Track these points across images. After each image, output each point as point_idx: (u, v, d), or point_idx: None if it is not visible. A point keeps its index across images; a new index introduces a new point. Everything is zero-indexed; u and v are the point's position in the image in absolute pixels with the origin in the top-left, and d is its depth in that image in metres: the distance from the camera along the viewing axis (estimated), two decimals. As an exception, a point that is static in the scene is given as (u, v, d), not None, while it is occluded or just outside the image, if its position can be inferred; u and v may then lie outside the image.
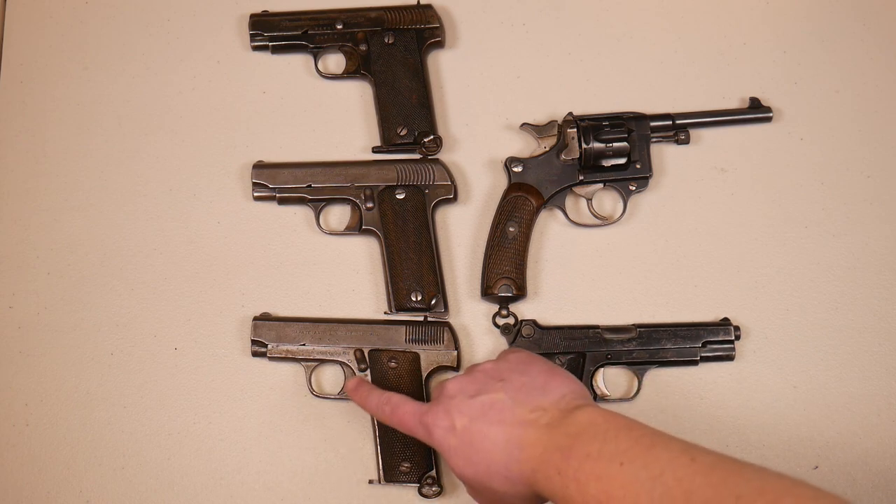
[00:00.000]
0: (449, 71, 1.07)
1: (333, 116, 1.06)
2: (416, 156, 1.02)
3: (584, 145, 0.98)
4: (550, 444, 0.73)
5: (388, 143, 1.03)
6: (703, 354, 0.95)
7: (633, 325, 0.97)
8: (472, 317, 1.00)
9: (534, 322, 0.97)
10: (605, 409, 0.74)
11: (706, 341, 0.96)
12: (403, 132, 1.02)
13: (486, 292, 0.97)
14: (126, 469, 0.97)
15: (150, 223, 1.03)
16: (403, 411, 0.83)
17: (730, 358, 0.96)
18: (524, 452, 0.74)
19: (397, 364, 0.96)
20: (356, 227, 1.00)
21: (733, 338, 0.96)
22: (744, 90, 1.06)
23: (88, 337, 1.00)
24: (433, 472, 0.93)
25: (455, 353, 0.96)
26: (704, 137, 1.04)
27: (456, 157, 1.04)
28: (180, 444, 0.97)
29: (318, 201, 1.01)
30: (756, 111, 1.03)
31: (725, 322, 0.97)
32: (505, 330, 0.97)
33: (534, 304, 1.00)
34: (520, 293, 0.97)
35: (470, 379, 0.81)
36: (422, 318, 0.98)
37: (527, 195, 0.99)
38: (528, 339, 0.96)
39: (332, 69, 1.07)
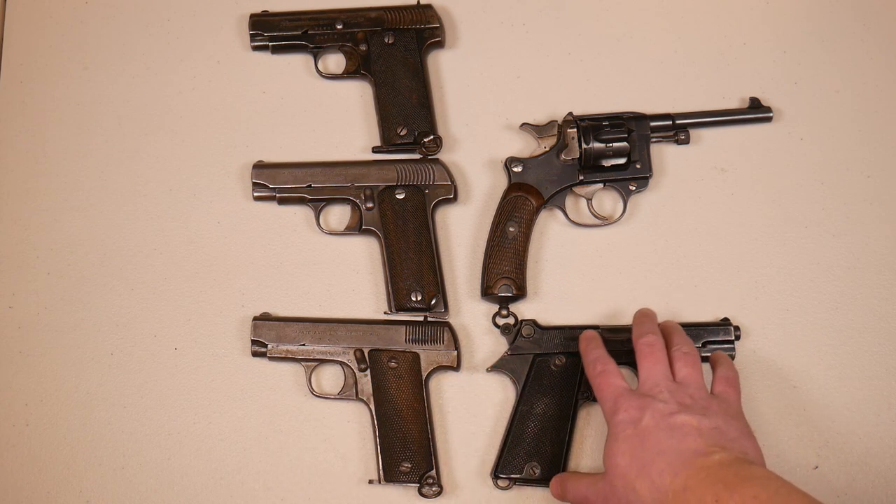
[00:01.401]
0: (449, 71, 1.07)
1: (333, 116, 1.06)
2: (416, 156, 1.02)
3: (584, 145, 0.98)
4: (716, 475, 0.76)
5: (388, 143, 1.03)
6: (703, 354, 0.95)
7: (633, 325, 0.97)
8: (472, 317, 1.00)
9: (534, 322, 0.97)
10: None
11: (706, 341, 0.96)
12: (403, 132, 1.02)
13: (486, 292, 0.97)
14: (126, 469, 0.97)
15: (150, 223, 1.03)
16: (608, 381, 0.87)
17: (730, 358, 0.95)
18: (686, 470, 0.77)
19: (397, 364, 0.96)
20: (356, 227, 1.00)
21: (733, 338, 0.96)
22: (744, 90, 1.06)
23: (88, 337, 1.00)
24: (433, 472, 0.93)
25: (455, 353, 0.96)
26: (704, 137, 1.04)
27: (456, 157, 1.04)
28: (180, 444, 0.97)
29: (318, 201, 1.01)
30: (756, 111, 1.03)
31: (726, 322, 0.97)
32: (505, 330, 0.97)
33: (534, 304, 1.00)
34: (520, 293, 0.97)
35: (681, 395, 0.84)
36: (422, 318, 0.98)
37: (527, 195, 0.99)
38: (528, 339, 0.96)
39: (332, 69, 1.07)
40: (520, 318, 0.98)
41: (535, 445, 0.93)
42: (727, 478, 0.75)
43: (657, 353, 0.88)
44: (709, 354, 0.95)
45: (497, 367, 0.96)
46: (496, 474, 0.93)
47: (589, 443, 0.96)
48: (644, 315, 0.94)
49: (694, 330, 0.96)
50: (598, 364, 0.89)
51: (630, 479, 0.80)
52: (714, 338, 0.96)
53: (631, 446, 0.81)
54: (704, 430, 0.80)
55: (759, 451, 0.82)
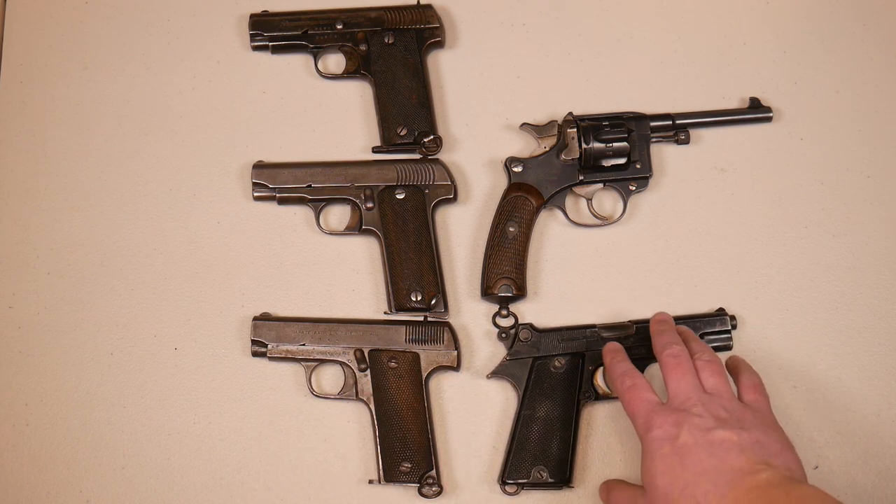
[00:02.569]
0: (449, 71, 1.07)
1: (333, 116, 1.06)
2: (416, 156, 1.02)
3: (584, 145, 0.98)
4: (766, 496, 0.73)
5: (388, 143, 1.03)
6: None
7: (631, 321, 0.97)
8: (472, 317, 1.00)
9: (531, 326, 0.97)
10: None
11: (703, 333, 0.96)
12: (403, 132, 1.02)
13: (486, 292, 0.97)
14: (126, 469, 0.97)
15: (150, 223, 1.03)
16: (639, 396, 0.85)
17: (728, 348, 0.96)
18: (732, 492, 0.75)
19: (397, 364, 0.96)
20: (356, 227, 1.00)
21: (730, 328, 0.96)
22: (744, 90, 1.06)
23: (88, 337, 1.00)
24: (433, 472, 0.93)
25: (455, 353, 0.96)
26: (704, 137, 1.04)
27: (456, 157, 1.04)
28: (180, 444, 0.97)
29: (318, 201, 1.01)
30: (756, 111, 1.03)
31: (721, 312, 0.97)
32: (502, 335, 0.97)
33: (534, 304, 1.00)
34: (520, 293, 0.97)
35: (715, 407, 0.82)
36: (422, 318, 0.98)
37: (527, 195, 0.99)
38: (527, 342, 0.96)
39: (332, 69, 1.07)
40: (518, 321, 0.98)
41: (540, 449, 0.93)
42: (777, 498, 0.73)
43: (684, 364, 0.85)
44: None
45: (497, 374, 0.96)
46: (504, 481, 0.93)
47: (594, 442, 0.96)
48: (662, 322, 0.93)
49: (690, 322, 0.96)
50: (627, 378, 0.87)
51: (672, 499, 0.77)
52: (711, 329, 0.96)
53: (670, 465, 0.78)
54: (746, 446, 0.78)
55: (800, 464, 0.80)
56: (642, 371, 0.95)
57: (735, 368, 0.90)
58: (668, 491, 0.78)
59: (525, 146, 1.04)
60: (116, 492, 0.96)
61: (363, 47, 1.05)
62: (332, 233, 1.02)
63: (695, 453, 0.78)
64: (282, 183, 1.01)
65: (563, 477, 0.93)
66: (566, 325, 0.98)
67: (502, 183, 1.02)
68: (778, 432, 0.82)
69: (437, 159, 1.02)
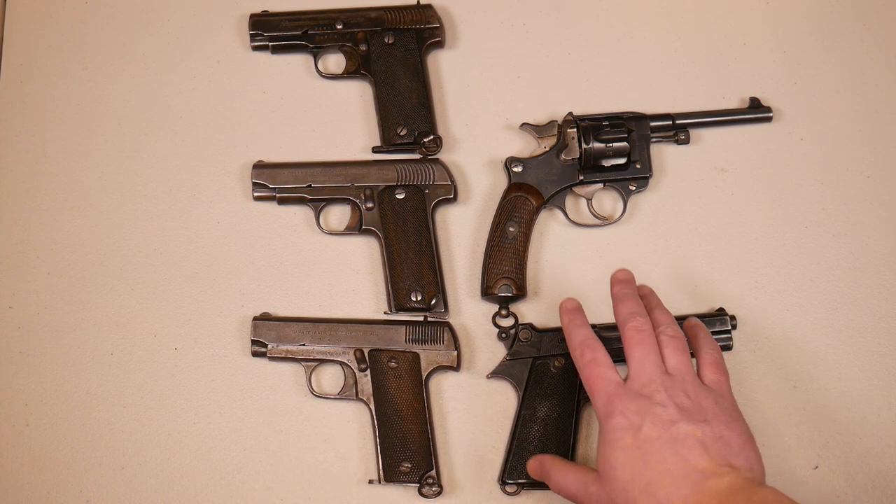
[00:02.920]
0: (449, 71, 1.07)
1: (333, 116, 1.06)
2: (416, 156, 1.02)
3: (584, 145, 0.98)
4: (728, 502, 0.73)
5: (388, 143, 1.03)
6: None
7: (632, 322, 0.97)
8: (472, 317, 1.00)
9: (531, 326, 0.97)
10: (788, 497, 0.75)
11: None
12: (403, 132, 1.02)
13: (486, 292, 0.97)
14: (126, 469, 0.97)
15: (150, 223, 1.03)
16: (599, 374, 0.82)
17: (728, 348, 0.96)
18: (695, 496, 0.74)
19: (397, 364, 0.96)
20: (356, 227, 1.00)
21: (730, 327, 0.96)
22: (744, 90, 1.06)
23: (88, 337, 1.00)
24: (433, 472, 0.93)
25: (455, 353, 0.96)
26: (704, 137, 1.04)
27: (456, 157, 1.04)
28: (180, 444, 0.97)
29: (318, 201, 1.01)
30: (756, 111, 1.03)
31: (721, 312, 0.97)
32: (502, 335, 0.97)
33: (534, 304, 1.00)
34: (520, 293, 0.97)
35: (677, 391, 0.80)
36: (422, 318, 0.98)
37: (527, 195, 0.99)
38: (527, 343, 0.96)
39: (332, 69, 1.07)
40: (518, 321, 0.98)
41: (540, 449, 0.93)
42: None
43: (647, 340, 0.83)
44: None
45: (497, 374, 0.96)
46: (504, 481, 0.93)
47: (594, 443, 0.96)
48: (624, 283, 0.89)
49: None
50: (588, 350, 0.84)
51: (632, 495, 0.76)
52: (710, 328, 0.95)
53: (631, 459, 0.77)
54: (709, 444, 0.77)
55: (759, 458, 0.79)
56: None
57: (694, 338, 0.88)
58: (628, 487, 0.76)
59: (525, 146, 1.04)
60: (116, 492, 0.96)
61: (363, 47, 1.05)
62: (332, 233, 1.02)
63: (658, 450, 0.76)
64: (282, 183, 1.01)
65: (563, 477, 0.93)
66: (566, 325, 0.98)
67: (502, 183, 1.02)
68: (739, 423, 0.81)
69: (437, 159, 1.02)
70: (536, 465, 0.88)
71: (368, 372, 0.96)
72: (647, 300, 0.90)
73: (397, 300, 0.97)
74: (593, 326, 0.96)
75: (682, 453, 0.76)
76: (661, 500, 0.75)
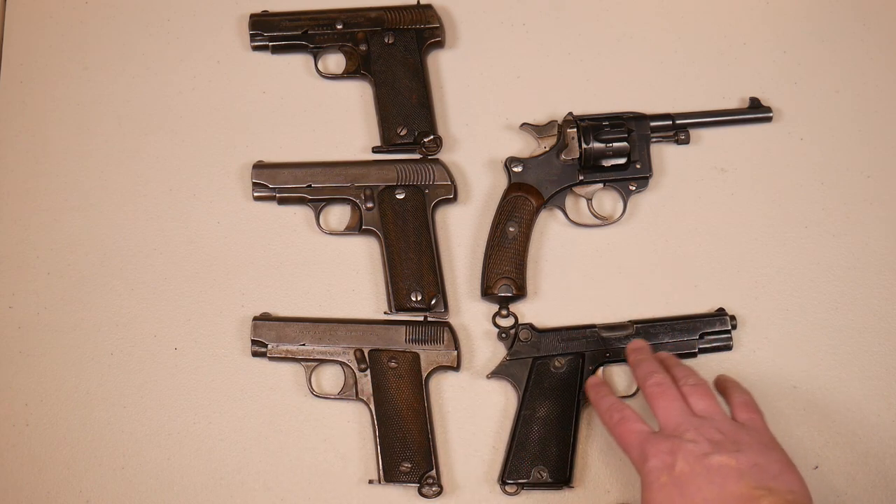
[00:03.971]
0: (449, 71, 1.07)
1: (333, 116, 1.06)
2: (416, 156, 1.02)
3: (584, 145, 0.98)
4: None
5: (388, 143, 1.03)
6: (701, 346, 0.95)
7: (630, 321, 0.97)
8: (472, 317, 1.00)
9: (530, 326, 0.97)
10: None
11: (703, 333, 0.96)
12: (403, 132, 1.02)
13: (486, 292, 0.97)
14: (126, 469, 0.97)
15: (150, 223, 1.03)
16: (629, 428, 0.83)
17: (728, 348, 0.96)
18: None
19: (397, 364, 0.96)
20: (356, 227, 1.00)
21: (730, 327, 0.96)
22: (744, 90, 1.06)
23: (88, 337, 1.00)
24: (433, 472, 0.93)
25: (455, 353, 0.96)
26: (704, 137, 1.04)
27: (456, 157, 1.04)
28: (180, 444, 0.97)
29: (318, 201, 1.01)
30: (756, 111, 1.03)
31: (721, 312, 0.97)
32: (502, 335, 0.97)
33: (533, 304, 1.00)
34: (520, 293, 0.97)
35: (708, 430, 0.80)
36: (422, 318, 0.98)
37: (527, 195, 0.99)
38: (527, 343, 0.96)
39: (332, 69, 1.07)
40: (518, 321, 0.98)
41: (540, 449, 0.93)
42: None
43: (669, 391, 0.84)
44: (707, 346, 0.95)
45: (497, 374, 0.96)
46: (504, 481, 0.93)
47: (594, 442, 0.96)
48: (639, 350, 0.90)
49: (690, 322, 0.96)
50: (615, 413, 0.85)
51: None
52: (711, 329, 0.96)
53: (669, 496, 0.77)
54: (745, 470, 0.76)
55: (803, 484, 0.78)
56: (642, 371, 0.96)
57: (724, 387, 0.88)
58: None
59: (525, 146, 1.04)
60: (116, 492, 0.96)
61: (363, 47, 1.05)
62: (332, 233, 1.02)
63: (693, 482, 0.76)
64: (282, 183, 1.01)
65: (563, 477, 0.93)
66: (566, 325, 0.98)
67: (502, 183, 1.02)
68: (777, 451, 0.80)
69: (437, 159, 1.02)
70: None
71: (368, 372, 0.96)
72: (665, 361, 0.90)
73: (397, 300, 0.97)
74: (594, 326, 0.96)
75: (717, 482, 0.76)
76: None
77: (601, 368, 0.96)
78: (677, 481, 0.77)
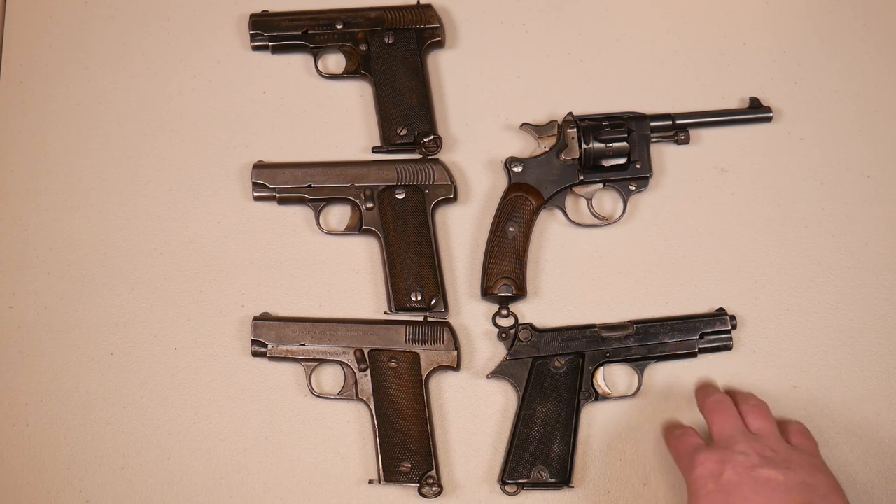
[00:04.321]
0: (449, 71, 1.07)
1: (333, 116, 1.06)
2: (416, 156, 1.02)
3: (584, 145, 0.98)
4: None
5: (388, 143, 1.03)
6: (701, 346, 0.95)
7: (630, 321, 0.97)
8: (472, 317, 1.00)
9: (530, 326, 0.97)
10: None
11: (703, 333, 0.96)
12: (403, 132, 1.02)
13: (486, 292, 0.97)
14: (126, 469, 0.97)
15: (150, 223, 1.03)
16: (685, 441, 0.86)
17: (728, 348, 0.96)
18: None
19: (397, 364, 0.96)
20: (356, 227, 1.00)
21: (730, 327, 0.96)
22: (744, 90, 1.06)
23: (88, 337, 1.00)
24: (433, 472, 0.93)
25: (455, 352, 0.96)
26: (704, 137, 1.04)
27: (456, 157, 1.04)
28: (180, 444, 0.97)
29: (318, 201, 1.01)
30: (756, 111, 1.03)
31: (721, 312, 0.97)
32: (502, 335, 0.97)
33: (533, 304, 1.00)
34: (520, 293, 0.97)
35: (760, 446, 0.81)
36: (422, 318, 0.98)
37: (527, 195, 0.99)
38: (527, 343, 0.96)
39: (332, 69, 1.07)
40: (518, 321, 0.98)
41: (540, 449, 0.93)
42: None
43: (727, 408, 0.85)
44: (707, 346, 0.95)
45: (497, 374, 0.96)
46: (504, 480, 0.93)
47: (594, 443, 0.96)
48: (706, 384, 0.94)
49: (690, 322, 0.96)
50: (677, 429, 0.88)
51: None
52: (711, 329, 0.96)
53: (714, 503, 0.77)
54: (792, 486, 0.76)
55: None
56: (642, 372, 0.96)
57: (781, 422, 0.90)
58: None
59: (525, 146, 1.04)
60: (116, 492, 0.96)
61: (363, 47, 1.05)
62: (332, 233, 1.02)
63: (740, 491, 0.76)
64: (282, 183, 1.01)
65: (563, 477, 0.93)
66: (566, 325, 0.98)
67: (502, 183, 1.02)
68: (826, 475, 0.80)
69: (437, 159, 1.02)
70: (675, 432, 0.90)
71: (368, 372, 0.96)
72: (730, 392, 0.92)
73: (397, 300, 0.97)
74: (594, 326, 0.96)
75: (763, 493, 0.76)
76: None
77: (601, 368, 0.96)
78: (724, 489, 0.77)
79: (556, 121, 1.02)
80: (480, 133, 1.05)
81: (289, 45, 1.06)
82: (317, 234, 1.02)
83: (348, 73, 1.05)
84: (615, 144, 0.98)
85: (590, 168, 0.99)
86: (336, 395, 0.97)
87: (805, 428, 0.88)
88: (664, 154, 1.04)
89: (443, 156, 1.03)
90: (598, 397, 0.96)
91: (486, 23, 1.09)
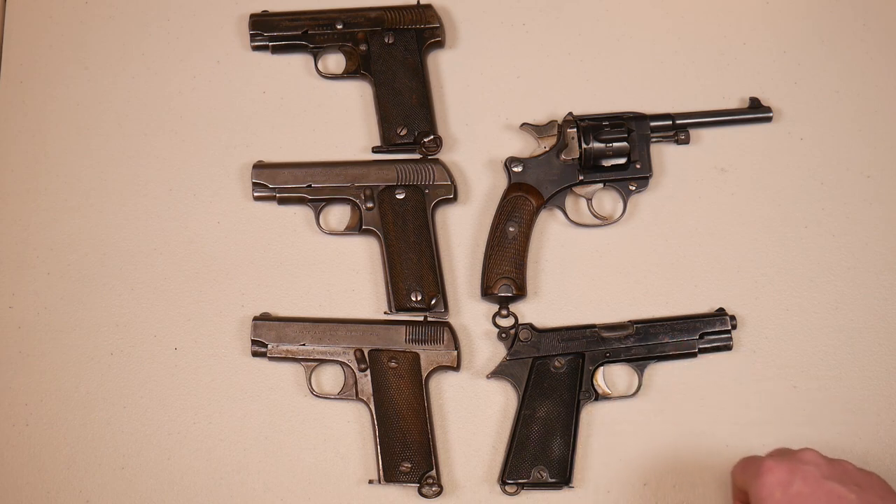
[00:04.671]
0: (449, 71, 1.07)
1: (333, 116, 1.06)
2: (416, 156, 1.02)
3: (584, 145, 0.98)
4: None
5: (388, 143, 1.02)
6: (701, 346, 0.95)
7: (630, 321, 0.97)
8: (472, 317, 1.00)
9: (530, 326, 0.97)
10: None
11: (703, 332, 0.96)
12: (403, 132, 1.02)
13: (486, 292, 0.97)
14: (126, 469, 0.97)
15: (150, 223, 1.03)
16: (750, 457, 0.82)
17: (727, 348, 0.96)
18: None
19: (397, 364, 0.96)
20: (356, 227, 1.00)
21: (730, 327, 0.96)
22: (744, 90, 1.06)
23: (88, 337, 1.00)
24: (433, 472, 0.93)
25: (455, 353, 0.96)
26: (704, 137, 1.04)
27: (456, 157, 1.04)
28: (180, 444, 0.97)
29: (318, 201, 1.01)
30: (756, 111, 1.03)
31: (721, 312, 0.97)
32: (502, 335, 0.97)
33: (533, 304, 1.00)
34: (520, 293, 0.97)
35: (831, 464, 0.78)
36: (422, 318, 0.98)
37: (527, 195, 0.99)
38: (527, 343, 0.96)
39: (332, 69, 1.07)
40: (518, 321, 0.98)
41: (540, 449, 0.93)
42: None
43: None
44: (707, 346, 0.95)
45: (497, 374, 0.96)
46: (504, 480, 0.93)
47: (594, 443, 0.96)
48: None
49: (690, 322, 0.96)
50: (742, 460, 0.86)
51: None
52: (711, 329, 0.96)
53: None
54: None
55: None
56: (642, 372, 0.96)
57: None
58: None
59: (525, 146, 1.04)
60: (116, 492, 0.96)
61: (363, 47, 1.05)
62: (332, 233, 1.02)
63: (809, 502, 0.74)
64: (282, 183, 1.01)
65: (563, 477, 0.93)
66: (566, 325, 0.98)
67: (502, 183, 1.02)
68: (894, 501, 0.78)
69: (437, 159, 1.02)
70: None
71: (368, 372, 0.96)
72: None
73: (397, 300, 0.97)
74: (594, 326, 0.96)
75: None
76: None
77: (601, 368, 0.96)
78: (793, 500, 0.74)
79: (556, 121, 1.02)
80: (480, 133, 1.05)
81: (289, 45, 1.06)
82: (317, 234, 1.02)
83: (348, 73, 1.05)
84: (615, 144, 0.98)
85: (590, 168, 0.99)
86: (336, 395, 0.97)
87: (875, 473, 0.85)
88: (664, 154, 1.04)
89: (443, 156, 1.03)
90: (598, 397, 0.96)
91: (486, 23, 1.09)
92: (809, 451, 0.80)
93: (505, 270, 0.97)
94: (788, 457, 0.79)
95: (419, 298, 0.97)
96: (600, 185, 1.01)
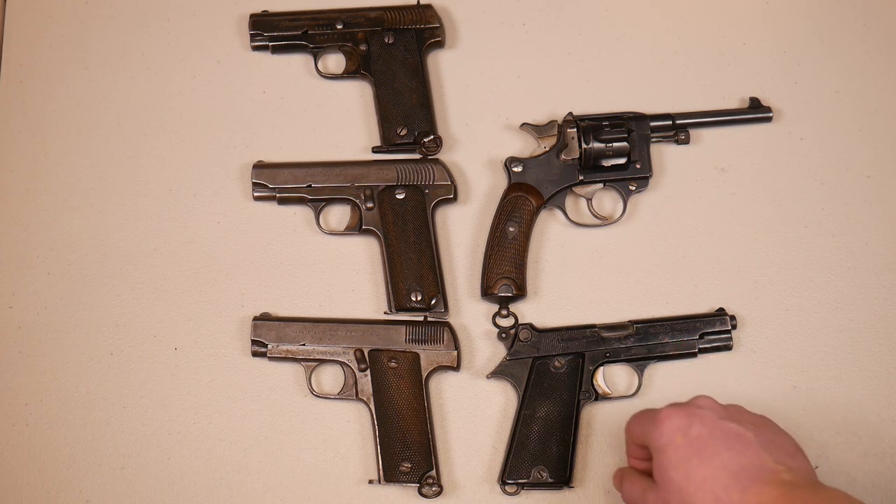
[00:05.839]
0: (449, 71, 1.07)
1: (333, 116, 1.06)
2: (416, 156, 1.02)
3: (584, 145, 0.98)
4: (791, 496, 0.70)
5: (388, 143, 1.03)
6: (701, 346, 0.95)
7: (630, 321, 0.97)
8: (472, 317, 1.00)
9: (530, 326, 0.97)
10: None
11: (703, 332, 0.96)
12: (403, 132, 1.02)
13: (486, 292, 0.97)
14: (126, 469, 0.97)
15: (150, 223, 1.03)
16: (642, 411, 0.83)
17: (728, 348, 0.96)
18: (755, 487, 0.71)
19: (397, 364, 0.96)
20: (356, 227, 1.00)
21: (730, 327, 0.96)
22: (744, 90, 1.06)
23: (88, 337, 1.00)
24: (433, 472, 0.93)
25: (455, 353, 0.96)
26: (704, 137, 1.04)
27: (456, 157, 1.04)
28: (180, 444, 0.97)
29: (318, 201, 1.01)
30: (756, 111, 1.03)
31: (721, 312, 0.97)
32: (502, 335, 0.97)
33: (533, 304, 1.00)
34: (520, 293, 0.97)
35: (726, 408, 0.80)
36: (422, 318, 0.98)
37: (527, 195, 0.99)
38: (527, 343, 0.96)
39: (332, 69, 1.07)
40: (518, 321, 0.98)
41: (540, 449, 0.93)
42: (805, 498, 0.70)
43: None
44: (707, 346, 0.95)
45: (497, 374, 0.96)
46: (503, 480, 0.93)
47: (594, 443, 0.96)
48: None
49: (690, 322, 0.96)
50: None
51: (688, 494, 0.73)
52: (711, 329, 0.96)
53: (684, 458, 0.75)
54: (763, 444, 0.75)
55: (813, 470, 0.77)
56: (642, 372, 0.96)
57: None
58: (683, 485, 0.74)
59: (525, 146, 1.04)
60: (116, 492, 0.96)
61: (363, 47, 1.05)
62: (332, 233, 1.02)
63: (710, 445, 0.74)
64: (282, 183, 1.01)
65: (563, 477, 0.93)
66: (566, 325, 0.98)
67: (502, 183, 1.02)
68: (788, 437, 0.80)
69: (437, 159, 1.02)
70: (618, 475, 0.87)
71: (368, 372, 0.96)
72: None
73: (397, 300, 0.97)
74: (594, 326, 0.97)
75: (736, 448, 0.74)
76: (720, 495, 0.72)
77: (601, 368, 0.96)
78: (693, 443, 0.75)
79: (556, 121, 1.02)
80: (480, 133, 1.05)
81: (289, 45, 1.06)
82: (317, 234, 1.02)
83: (348, 73, 1.05)
84: (615, 144, 0.98)
85: (590, 168, 0.99)
86: (336, 395, 0.97)
87: None
88: (664, 154, 1.04)
89: (443, 156, 1.03)
90: (598, 397, 0.96)
91: (486, 23, 1.09)
92: (704, 398, 0.81)
93: (505, 270, 0.97)
94: (684, 405, 0.80)
95: (419, 298, 0.97)
96: (600, 185, 1.01)
